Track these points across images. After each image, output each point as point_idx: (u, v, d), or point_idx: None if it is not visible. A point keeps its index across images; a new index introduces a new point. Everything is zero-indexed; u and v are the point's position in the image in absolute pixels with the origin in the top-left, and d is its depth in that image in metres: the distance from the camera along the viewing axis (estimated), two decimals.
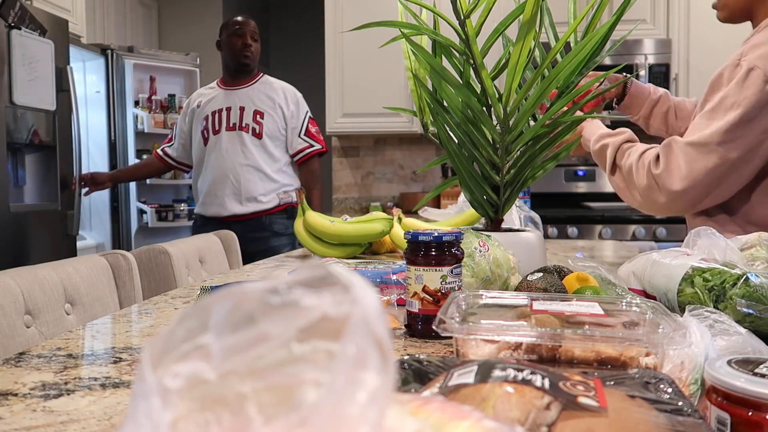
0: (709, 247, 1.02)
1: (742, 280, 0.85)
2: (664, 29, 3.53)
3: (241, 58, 2.78)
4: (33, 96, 2.73)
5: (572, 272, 1.04)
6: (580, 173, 3.84)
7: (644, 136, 1.66)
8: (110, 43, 3.91)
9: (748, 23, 1.47)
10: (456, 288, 0.89)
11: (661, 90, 1.76)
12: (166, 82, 4.11)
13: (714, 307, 0.87)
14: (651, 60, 3.46)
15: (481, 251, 1.03)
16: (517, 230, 1.33)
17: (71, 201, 3.00)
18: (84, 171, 3.08)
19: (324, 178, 5.79)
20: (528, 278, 1.02)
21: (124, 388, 0.69)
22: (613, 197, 3.88)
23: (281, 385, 0.29)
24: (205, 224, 2.74)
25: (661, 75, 3.45)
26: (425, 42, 1.37)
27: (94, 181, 2.94)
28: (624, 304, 0.76)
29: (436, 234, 0.87)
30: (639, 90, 1.73)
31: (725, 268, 0.90)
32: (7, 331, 1.08)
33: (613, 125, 3.80)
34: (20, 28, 2.60)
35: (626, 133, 1.46)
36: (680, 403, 0.46)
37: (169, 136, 2.98)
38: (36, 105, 2.76)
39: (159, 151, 2.96)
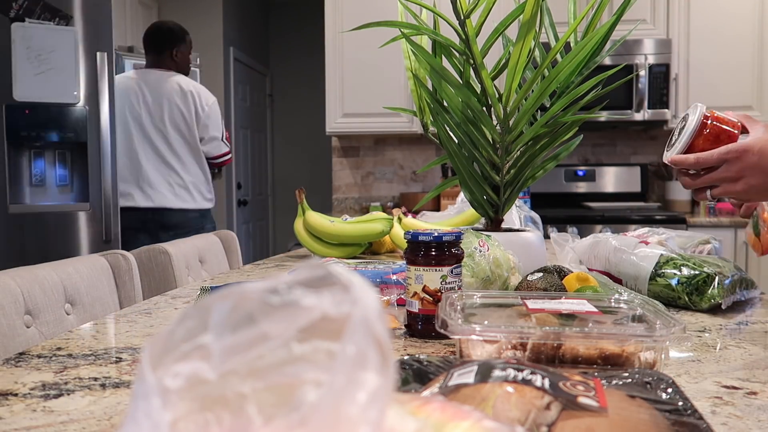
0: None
1: (716, 281, 1.03)
2: (664, 29, 3.53)
3: None
4: (45, 90, 2.56)
5: (572, 272, 1.04)
6: (580, 173, 3.84)
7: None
8: None
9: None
10: (456, 288, 0.89)
11: None
12: None
13: (687, 299, 1.05)
14: (651, 60, 3.46)
15: (481, 251, 1.03)
16: (517, 230, 1.33)
17: (103, 201, 2.73)
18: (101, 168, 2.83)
19: (324, 178, 5.81)
20: (528, 278, 1.02)
21: (124, 388, 0.69)
22: (613, 197, 3.89)
23: (281, 385, 0.29)
24: None
25: (661, 75, 3.45)
26: (425, 42, 1.37)
27: None
28: (612, 300, 0.77)
29: (436, 234, 0.87)
30: None
31: (693, 263, 1.07)
32: (7, 331, 1.08)
33: (614, 125, 3.80)
34: (24, 20, 2.52)
35: None
36: (680, 404, 0.46)
37: None
38: (49, 99, 2.59)
39: None
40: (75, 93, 2.64)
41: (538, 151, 1.24)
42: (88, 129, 2.70)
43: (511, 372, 0.43)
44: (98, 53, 2.69)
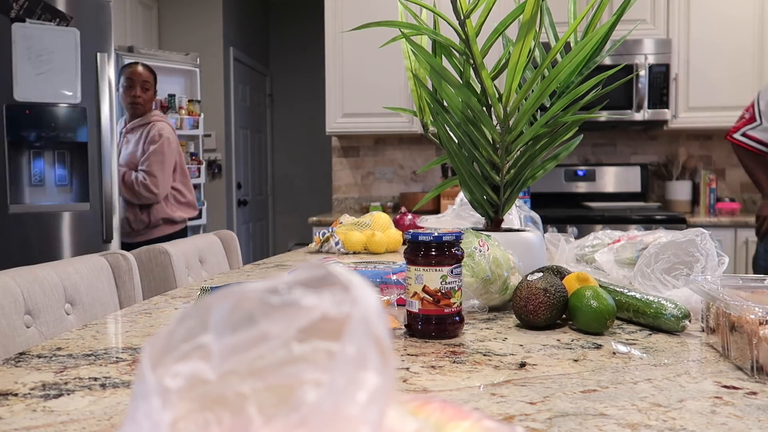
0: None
1: None
2: (664, 29, 3.53)
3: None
4: (45, 90, 2.61)
5: (572, 272, 1.04)
6: (580, 173, 3.84)
7: None
8: None
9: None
10: (456, 288, 0.88)
11: None
12: (166, 82, 4.11)
13: None
14: (651, 60, 3.45)
15: (481, 251, 1.03)
16: (517, 230, 1.33)
17: (103, 201, 2.79)
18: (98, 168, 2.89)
19: (324, 178, 5.80)
20: (528, 278, 1.02)
21: (124, 388, 0.68)
22: (613, 197, 3.89)
23: (281, 385, 0.29)
24: None
25: (661, 75, 3.45)
26: (425, 42, 1.37)
27: None
28: None
29: (436, 234, 0.87)
30: None
31: None
32: (7, 331, 1.08)
33: (614, 125, 3.80)
34: (24, 20, 2.55)
35: None
36: None
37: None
38: (50, 99, 2.64)
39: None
40: (74, 93, 2.71)
41: (538, 151, 1.24)
42: (89, 129, 2.77)
43: None
44: (99, 54, 2.78)
